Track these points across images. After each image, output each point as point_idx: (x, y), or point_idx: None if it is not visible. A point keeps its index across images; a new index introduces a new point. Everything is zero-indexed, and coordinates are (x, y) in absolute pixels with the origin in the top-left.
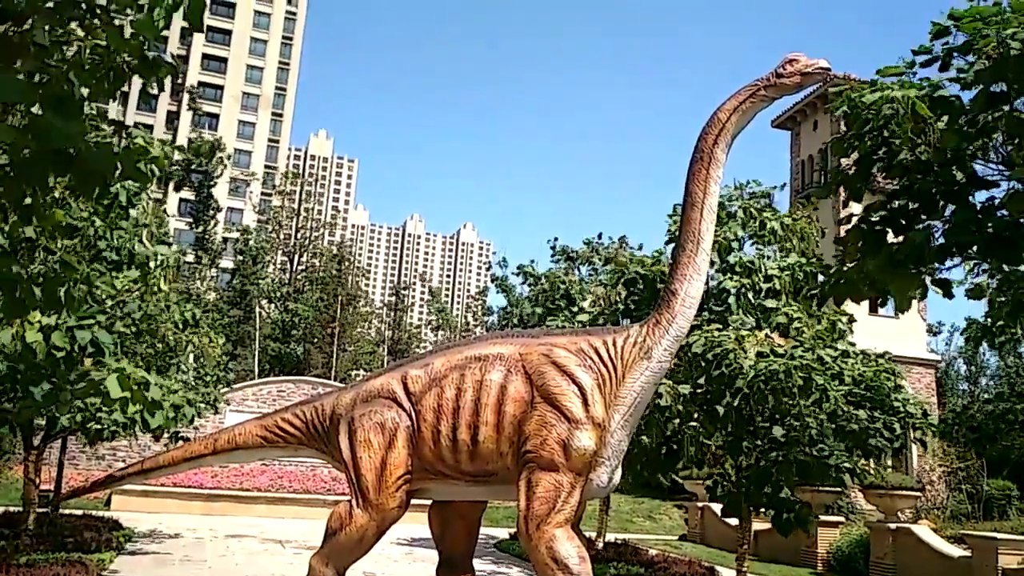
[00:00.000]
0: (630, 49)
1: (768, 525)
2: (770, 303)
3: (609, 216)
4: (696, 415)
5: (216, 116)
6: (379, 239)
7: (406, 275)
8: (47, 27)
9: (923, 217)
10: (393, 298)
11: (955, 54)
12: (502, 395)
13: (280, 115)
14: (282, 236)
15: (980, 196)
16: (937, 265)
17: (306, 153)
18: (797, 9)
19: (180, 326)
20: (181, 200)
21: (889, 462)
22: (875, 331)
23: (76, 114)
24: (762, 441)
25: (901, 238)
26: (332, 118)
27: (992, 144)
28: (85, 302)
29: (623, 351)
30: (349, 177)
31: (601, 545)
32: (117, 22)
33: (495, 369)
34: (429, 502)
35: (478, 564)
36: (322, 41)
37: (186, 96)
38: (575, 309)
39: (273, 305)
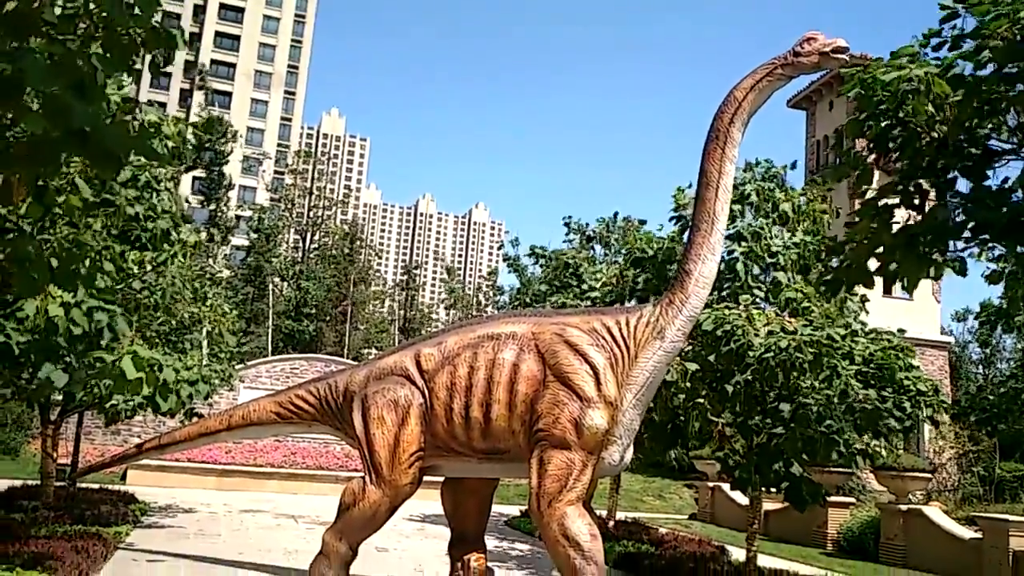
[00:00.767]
0: (646, 28)
1: (779, 505)
2: (780, 276)
3: (623, 196)
4: (704, 392)
5: (229, 94)
6: (391, 218)
7: (418, 255)
8: (54, 2)
9: (932, 196)
10: (405, 277)
11: (966, 40)
12: (514, 373)
13: (293, 93)
14: (294, 214)
15: (994, 179)
16: (952, 245)
17: (318, 132)
18: None
19: (193, 298)
20: (194, 178)
21: (900, 444)
22: (888, 312)
23: (98, 97)
24: (771, 419)
25: (912, 217)
26: (344, 97)
27: (1004, 122)
28: (99, 279)
29: (636, 331)
30: (361, 156)
31: (612, 523)
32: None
33: (508, 348)
34: (442, 479)
35: (489, 541)
36: (335, 19)
37: (197, 74)
38: (584, 287)
39: (286, 283)
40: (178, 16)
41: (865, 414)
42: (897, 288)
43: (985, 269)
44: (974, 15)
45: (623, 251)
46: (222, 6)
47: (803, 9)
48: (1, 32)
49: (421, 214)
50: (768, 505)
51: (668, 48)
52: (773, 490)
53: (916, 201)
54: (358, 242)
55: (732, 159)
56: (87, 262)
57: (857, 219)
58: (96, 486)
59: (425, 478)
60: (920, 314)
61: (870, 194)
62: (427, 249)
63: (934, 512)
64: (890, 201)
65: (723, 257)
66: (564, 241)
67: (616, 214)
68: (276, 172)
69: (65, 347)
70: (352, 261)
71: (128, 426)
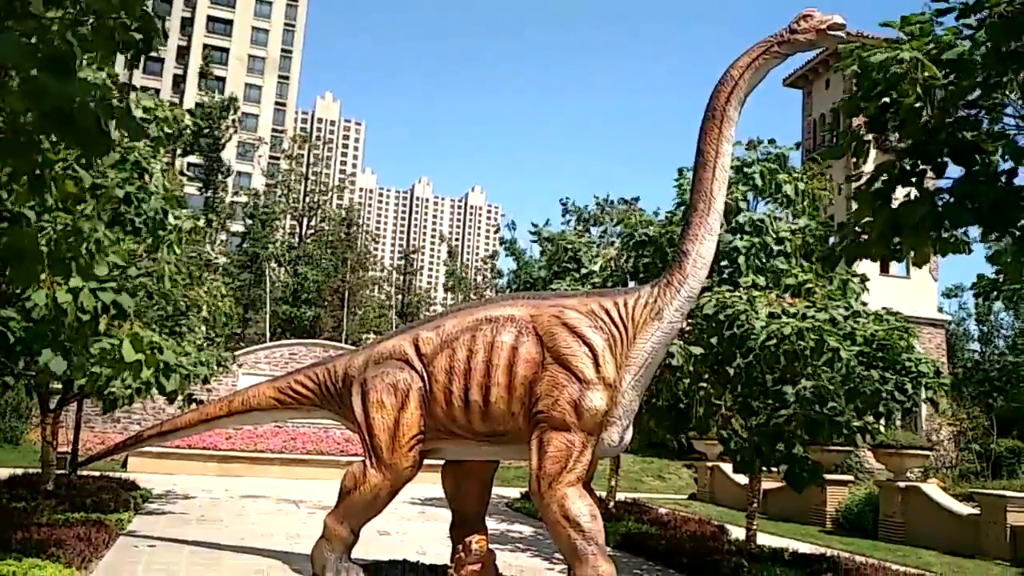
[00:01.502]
0: (641, 8)
1: (778, 484)
2: (781, 263)
3: (619, 179)
4: (706, 376)
5: (222, 79)
6: (387, 203)
7: (415, 239)
8: None
9: (931, 176)
10: (402, 261)
11: (971, 14)
12: (513, 356)
13: (286, 78)
14: (290, 200)
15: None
16: (948, 227)
17: (313, 116)
18: None
19: (189, 283)
20: (190, 164)
21: (899, 421)
22: (885, 291)
23: (70, 72)
24: (772, 401)
25: (907, 195)
26: (338, 81)
27: (1006, 100)
28: (98, 266)
29: (634, 312)
30: (356, 140)
31: (612, 504)
32: None
33: (506, 331)
34: (442, 462)
35: (490, 523)
36: (327, 2)
37: (194, 61)
38: (584, 271)
39: (283, 269)
40: (170, 1)
41: (867, 395)
42: (895, 267)
43: (987, 249)
44: None
45: (620, 234)
46: None
47: None
48: None
49: (417, 198)
50: (767, 484)
51: (667, 28)
52: (774, 470)
53: (913, 181)
54: (355, 227)
55: (729, 139)
56: (84, 250)
57: (856, 197)
58: (97, 473)
59: (425, 461)
60: (918, 292)
61: (866, 176)
62: (423, 233)
63: (932, 489)
64: (884, 180)
65: (723, 247)
66: (562, 224)
67: (608, 195)
68: (271, 157)
69: (66, 331)
70: (350, 246)
71: (128, 413)
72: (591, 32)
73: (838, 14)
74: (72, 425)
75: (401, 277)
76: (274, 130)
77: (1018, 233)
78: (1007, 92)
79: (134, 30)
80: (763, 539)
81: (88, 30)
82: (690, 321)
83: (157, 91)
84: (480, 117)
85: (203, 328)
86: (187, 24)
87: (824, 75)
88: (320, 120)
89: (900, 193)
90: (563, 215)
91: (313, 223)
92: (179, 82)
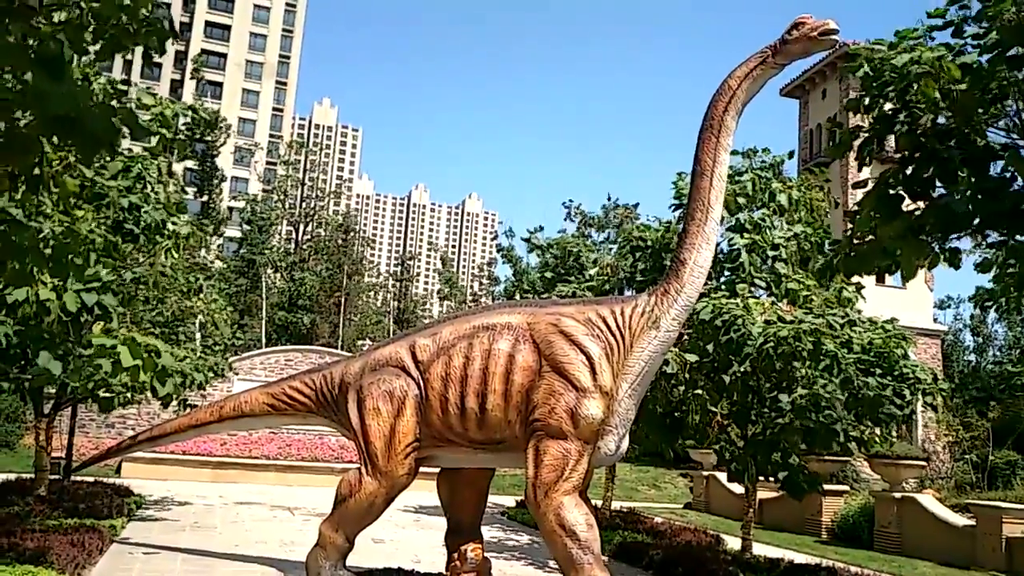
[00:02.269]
0: (641, 18)
1: (773, 494)
2: (781, 268)
3: (616, 186)
4: (702, 383)
5: (220, 84)
6: (384, 209)
7: (411, 245)
8: None
9: (939, 184)
10: (399, 268)
11: (970, 22)
12: (510, 364)
13: (284, 83)
14: (287, 205)
15: (994, 168)
16: (951, 236)
17: (310, 122)
18: None
19: (186, 292)
20: (186, 169)
21: (895, 431)
22: (882, 301)
23: (64, 73)
24: (769, 409)
25: (919, 205)
26: (336, 87)
27: (1005, 111)
28: (94, 269)
29: (631, 320)
30: (354, 146)
31: (607, 513)
32: None
33: (503, 338)
34: (438, 470)
35: (486, 531)
36: (326, 8)
37: (190, 64)
38: (586, 276)
39: (279, 274)
40: (168, 6)
41: (866, 401)
42: (890, 277)
43: (977, 258)
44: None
45: (619, 239)
46: None
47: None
48: None
49: (414, 205)
50: (763, 494)
51: (662, 36)
52: (771, 479)
53: (919, 189)
54: (352, 233)
55: (727, 148)
56: (80, 252)
57: (857, 208)
58: (91, 479)
59: (421, 469)
60: (913, 303)
61: (870, 183)
62: (420, 240)
63: (928, 500)
64: (892, 191)
65: (723, 248)
66: (559, 231)
67: (609, 196)
68: (268, 163)
69: (60, 332)
70: (346, 252)
71: (123, 418)
72: (590, 40)
73: (831, 19)
74: (66, 430)
75: (398, 284)
76: (271, 136)
77: None
78: (1012, 101)
79: (144, 32)
80: (759, 549)
81: (90, 36)
82: (686, 327)
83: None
84: (478, 124)
85: (199, 336)
86: (185, 29)
87: (821, 85)
88: (318, 126)
89: (905, 205)
90: (565, 219)
91: (310, 229)
92: (176, 87)
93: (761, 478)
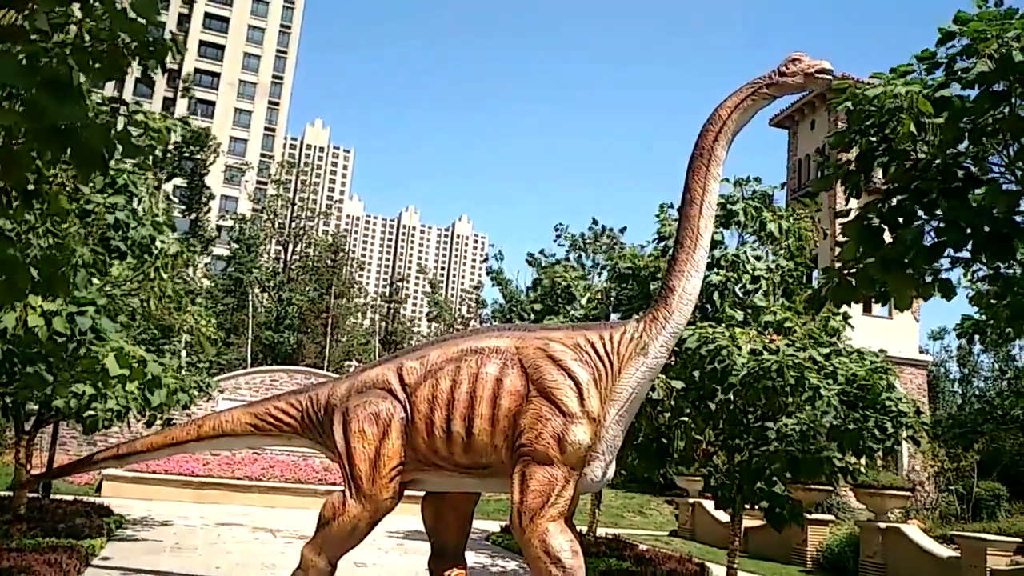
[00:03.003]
0: (627, 41)
1: (759, 522)
2: (759, 300)
3: (605, 210)
4: (688, 410)
5: (212, 103)
6: (374, 230)
7: (401, 267)
8: (48, 12)
9: (921, 215)
10: (387, 289)
11: (958, 58)
12: (497, 388)
13: (277, 104)
14: (276, 225)
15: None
16: (936, 265)
17: (302, 142)
18: (797, 9)
19: (173, 309)
20: (175, 187)
21: (879, 462)
22: (867, 331)
23: (73, 97)
24: (754, 438)
25: (895, 237)
26: (329, 108)
27: (993, 145)
28: (84, 287)
29: (619, 346)
30: (345, 167)
31: (592, 539)
32: (117, 5)
33: (491, 362)
34: (422, 494)
35: (470, 557)
36: (320, 30)
37: (182, 83)
38: (576, 306)
39: (267, 294)
40: (162, 24)
41: (848, 434)
42: (877, 307)
43: (968, 291)
44: (966, 35)
45: (607, 267)
46: (207, 15)
47: (786, 24)
48: None
49: (404, 226)
50: (748, 522)
51: (654, 59)
52: (755, 507)
53: (900, 220)
54: (341, 254)
55: (716, 177)
56: (68, 268)
57: (843, 238)
58: (70, 497)
59: (406, 493)
60: (899, 332)
61: (854, 214)
62: (409, 262)
63: (913, 530)
64: (874, 223)
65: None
66: (551, 255)
67: (595, 220)
68: (259, 182)
69: (43, 354)
70: (335, 273)
71: (104, 436)
72: (584, 64)
73: (825, 60)
74: (47, 448)
75: (386, 305)
76: (263, 155)
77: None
78: (994, 137)
79: (144, 52)
80: None
81: (97, 51)
82: (673, 354)
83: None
84: (469, 148)
85: (184, 354)
86: (176, 38)
87: (810, 116)
88: (309, 146)
89: (887, 237)
90: (555, 240)
91: (299, 249)
92: (168, 105)
93: (747, 506)
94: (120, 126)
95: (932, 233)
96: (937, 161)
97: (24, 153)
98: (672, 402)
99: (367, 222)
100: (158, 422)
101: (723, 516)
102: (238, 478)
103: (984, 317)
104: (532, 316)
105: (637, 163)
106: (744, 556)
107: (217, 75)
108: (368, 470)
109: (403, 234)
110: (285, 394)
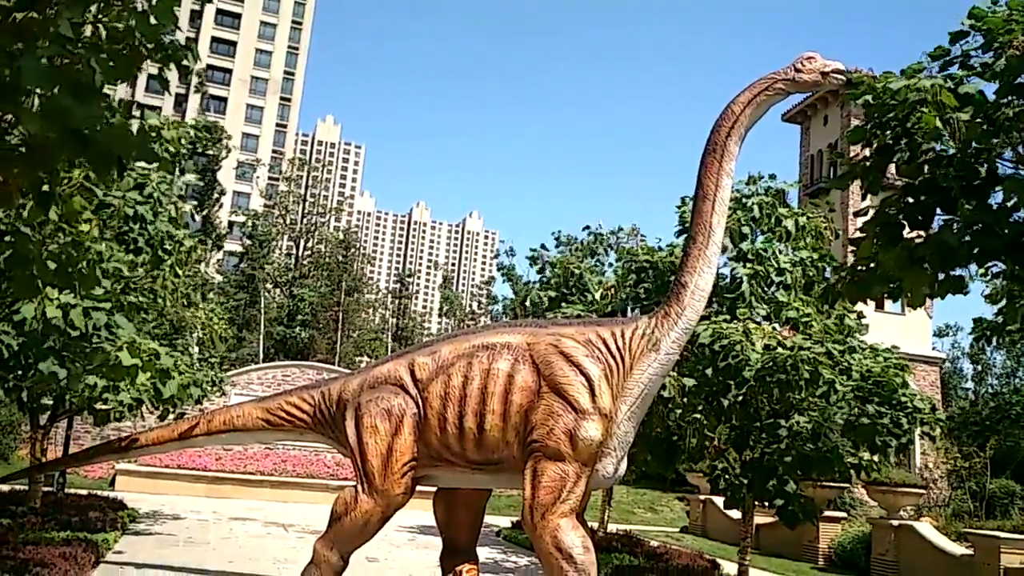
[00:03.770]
0: (639, 40)
1: (770, 519)
2: (781, 296)
3: (617, 205)
4: (700, 407)
5: (224, 99)
6: (385, 226)
7: (411, 263)
8: (72, 18)
9: (939, 212)
10: (398, 285)
11: (972, 53)
12: (509, 384)
13: (288, 100)
14: (288, 221)
15: (994, 198)
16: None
17: (313, 138)
18: (805, 8)
19: (185, 304)
20: (185, 184)
21: (893, 459)
22: (880, 328)
23: (94, 98)
24: (767, 434)
25: (918, 233)
26: (340, 104)
27: (1011, 142)
28: (98, 281)
29: (631, 342)
30: (356, 163)
31: (604, 535)
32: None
33: (502, 358)
34: (434, 489)
35: (482, 553)
36: (331, 26)
37: (194, 79)
38: (589, 297)
39: (279, 290)
40: (176, 22)
41: (863, 429)
42: (889, 304)
43: (984, 288)
44: (990, 26)
45: (613, 262)
46: (219, 11)
47: (796, 20)
48: (8, 39)
49: (415, 222)
50: (759, 519)
51: (664, 54)
52: (766, 505)
53: (920, 218)
54: (352, 250)
55: (729, 172)
56: (86, 264)
57: (861, 234)
58: (84, 492)
59: (418, 488)
60: (912, 329)
61: (872, 212)
62: (420, 257)
63: (925, 528)
64: (892, 211)
65: (726, 275)
66: (559, 251)
67: (600, 224)
68: (271, 178)
69: (66, 343)
70: (346, 269)
71: (117, 431)
72: (595, 60)
73: (839, 60)
74: (61, 442)
75: (397, 301)
76: (274, 151)
77: None
78: (1012, 133)
79: (161, 54)
80: (755, 575)
81: (115, 52)
82: (685, 350)
83: (159, 109)
84: (481, 143)
85: (196, 349)
86: (191, 43)
87: (822, 111)
88: (320, 142)
89: (906, 232)
90: (555, 246)
91: (310, 245)
92: (181, 101)
93: (757, 503)
94: (135, 129)
95: (958, 234)
96: (957, 156)
97: (42, 154)
98: (684, 399)
99: (378, 218)
100: (170, 416)
101: (734, 513)
102: (250, 473)
103: (1000, 317)
104: (545, 305)
105: (650, 160)
106: (756, 553)
107: (229, 71)
108: (380, 465)
109: (414, 230)
110: (297, 389)
